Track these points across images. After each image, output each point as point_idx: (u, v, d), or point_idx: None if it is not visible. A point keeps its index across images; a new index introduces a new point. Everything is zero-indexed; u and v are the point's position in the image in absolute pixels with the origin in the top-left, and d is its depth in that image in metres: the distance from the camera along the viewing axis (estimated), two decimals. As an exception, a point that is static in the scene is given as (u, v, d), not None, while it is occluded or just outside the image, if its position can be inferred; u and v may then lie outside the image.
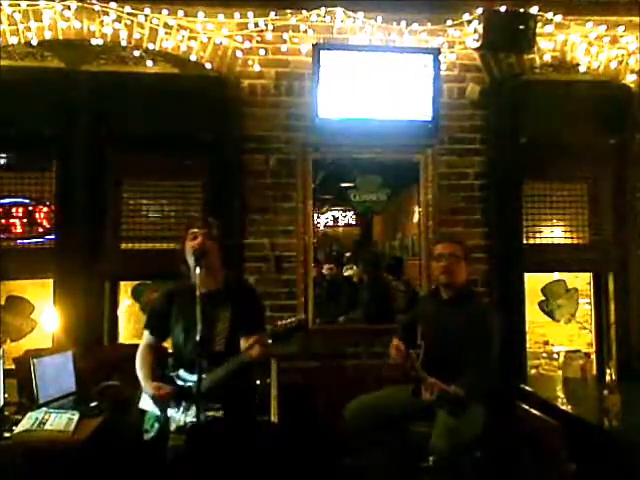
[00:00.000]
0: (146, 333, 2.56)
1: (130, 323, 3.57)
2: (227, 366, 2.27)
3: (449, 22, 3.53)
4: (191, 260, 2.35)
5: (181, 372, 2.40)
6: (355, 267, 4.23)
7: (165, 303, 2.54)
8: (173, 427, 2.28)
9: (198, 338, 2.15)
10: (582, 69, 3.64)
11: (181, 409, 2.29)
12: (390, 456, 2.64)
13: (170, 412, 2.31)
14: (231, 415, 2.28)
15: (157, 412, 2.35)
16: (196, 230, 2.42)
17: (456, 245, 2.85)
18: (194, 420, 2.18)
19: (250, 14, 3.41)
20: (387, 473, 2.65)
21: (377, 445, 2.66)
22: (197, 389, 2.13)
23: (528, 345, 3.67)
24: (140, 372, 2.46)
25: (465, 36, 3.57)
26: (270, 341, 2.26)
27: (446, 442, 2.38)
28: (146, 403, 2.41)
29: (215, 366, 2.27)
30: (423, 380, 2.49)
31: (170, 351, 2.61)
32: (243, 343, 2.37)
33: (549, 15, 3.52)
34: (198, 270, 2.26)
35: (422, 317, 2.83)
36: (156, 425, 2.33)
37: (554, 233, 3.85)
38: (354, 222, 4.76)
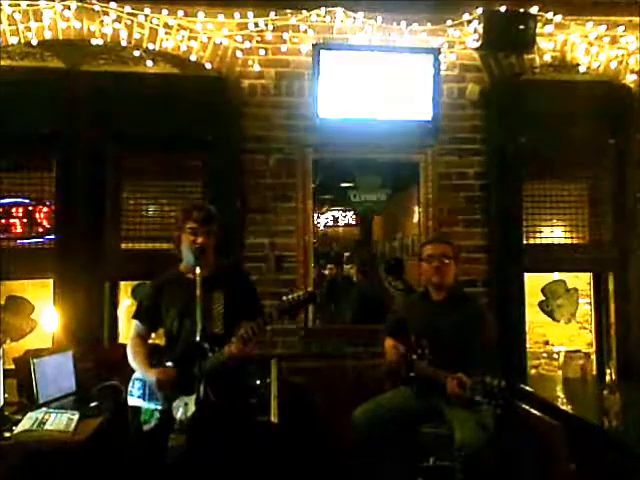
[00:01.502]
0: (136, 323, 2.53)
1: (130, 323, 3.55)
2: (211, 361, 2.24)
3: (449, 22, 3.53)
4: (190, 257, 2.34)
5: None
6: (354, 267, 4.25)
7: (155, 293, 2.52)
8: (177, 417, 2.24)
9: (198, 338, 2.14)
10: (582, 69, 3.64)
11: (181, 409, 2.28)
12: (396, 457, 2.63)
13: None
14: (227, 403, 2.27)
15: (152, 405, 2.33)
16: (196, 226, 2.39)
17: (446, 245, 2.83)
18: (195, 414, 2.19)
19: (250, 14, 3.41)
20: (392, 474, 2.64)
21: (385, 448, 2.64)
22: (197, 383, 2.14)
23: (528, 345, 3.66)
24: (136, 361, 2.41)
25: (465, 36, 3.57)
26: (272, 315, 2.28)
27: (476, 436, 2.37)
28: (134, 400, 2.40)
29: (217, 347, 2.26)
30: (442, 377, 2.48)
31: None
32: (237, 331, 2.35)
33: (549, 15, 3.52)
34: (198, 270, 2.24)
35: (412, 318, 2.80)
36: (156, 415, 2.31)
37: (554, 233, 3.85)
38: (354, 222, 4.76)
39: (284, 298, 2.27)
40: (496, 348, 2.67)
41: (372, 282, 4.02)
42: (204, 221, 2.39)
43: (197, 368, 2.15)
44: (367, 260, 4.15)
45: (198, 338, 2.15)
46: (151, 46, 3.35)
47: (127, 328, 3.53)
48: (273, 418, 2.60)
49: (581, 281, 3.89)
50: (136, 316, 2.56)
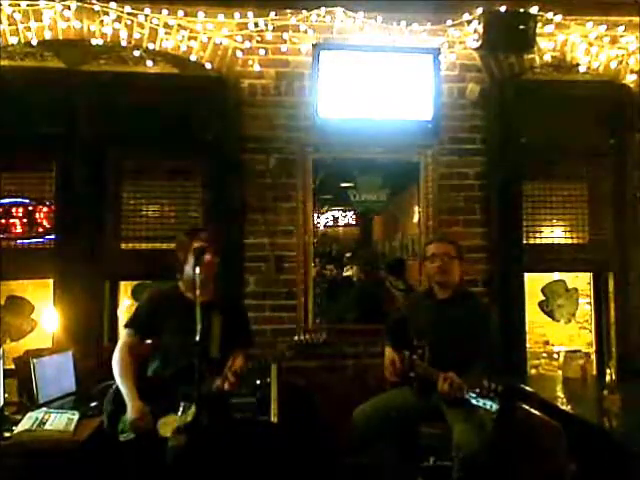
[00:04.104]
0: (129, 332, 2.46)
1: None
2: (205, 388, 2.26)
3: (449, 22, 3.53)
4: (196, 278, 2.25)
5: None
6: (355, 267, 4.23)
7: (153, 305, 2.50)
8: (164, 435, 2.19)
9: (196, 361, 2.13)
10: (582, 69, 3.64)
11: (180, 410, 2.27)
12: (395, 457, 2.63)
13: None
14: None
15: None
16: (204, 244, 2.37)
17: (450, 245, 2.83)
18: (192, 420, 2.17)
19: (250, 14, 3.41)
20: (392, 474, 2.64)
21: (385, 448, 2.64)
22: (197, 394, 2.14)
23: (528, 345, 3.66)
24: (124, 382, 2.31)
25: (465, 36, 3.57)
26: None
27: (474, 437, 2.37)
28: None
29: (214, 373, 2.30)
30: (436, 377, 2.47)
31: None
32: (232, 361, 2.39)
33: (549, 15, 3.52)
34: (198, 292, 2.20)
35: (416, 317, 2.80)
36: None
37: (554, 233, 3.84)
38: (354, 222, 4.75)
39: (296, 338, 2.27)
40: (498, 347, 2.68)
41: (373, 282, 4.01)
42: (211, 240, 2.43)
43: (194, 392, 2.15)
44: (370, 260, 4.15)
45: (196, 360, 2.12)
46: (151, 46, 3.35)
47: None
48: (273, 418, 2.60)
49: (581, 281, 3.89)
50: (130, 324, 2.50)
